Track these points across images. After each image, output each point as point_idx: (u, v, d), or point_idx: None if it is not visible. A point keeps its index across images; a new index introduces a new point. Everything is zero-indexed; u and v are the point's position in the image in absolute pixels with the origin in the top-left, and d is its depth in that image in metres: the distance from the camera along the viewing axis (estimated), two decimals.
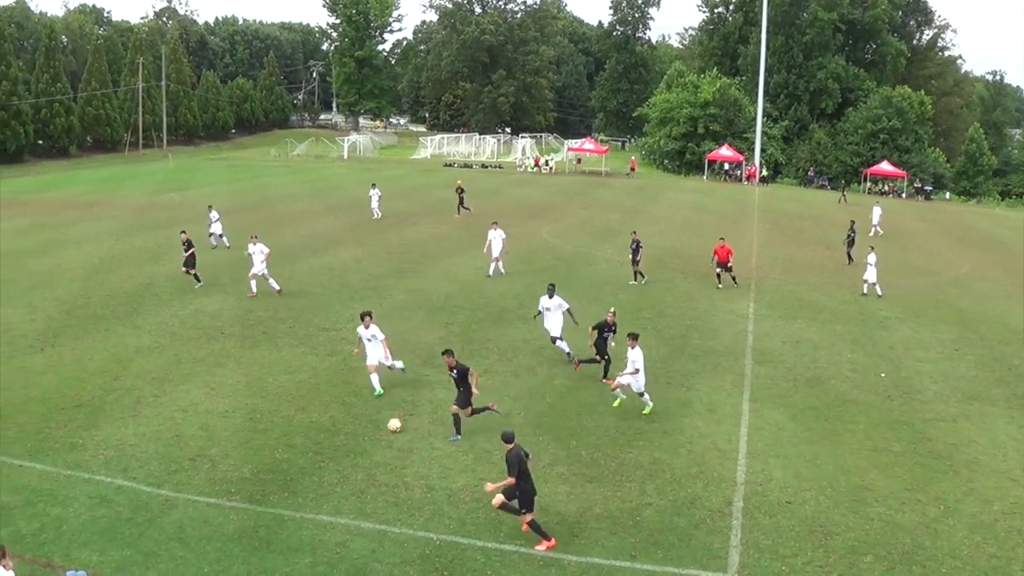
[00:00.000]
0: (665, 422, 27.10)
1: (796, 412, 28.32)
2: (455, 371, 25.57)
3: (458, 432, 25.55)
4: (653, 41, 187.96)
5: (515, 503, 20.27)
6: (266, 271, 42.99)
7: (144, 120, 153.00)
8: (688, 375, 31.53)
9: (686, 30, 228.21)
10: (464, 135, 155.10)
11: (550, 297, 32.73)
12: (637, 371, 27.06)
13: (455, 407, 25.64)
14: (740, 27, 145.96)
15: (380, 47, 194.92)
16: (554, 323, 32.62)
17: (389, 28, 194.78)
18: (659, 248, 56.99)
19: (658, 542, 20.27)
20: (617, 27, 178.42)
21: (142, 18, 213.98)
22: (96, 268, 49.47)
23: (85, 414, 27.00)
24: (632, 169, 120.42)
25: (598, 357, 30.33)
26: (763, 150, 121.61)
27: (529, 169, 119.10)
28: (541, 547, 19.96)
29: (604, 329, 30.06)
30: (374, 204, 69.03)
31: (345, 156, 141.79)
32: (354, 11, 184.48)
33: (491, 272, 47.35)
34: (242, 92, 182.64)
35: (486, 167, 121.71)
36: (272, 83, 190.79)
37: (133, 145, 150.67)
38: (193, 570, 19.00)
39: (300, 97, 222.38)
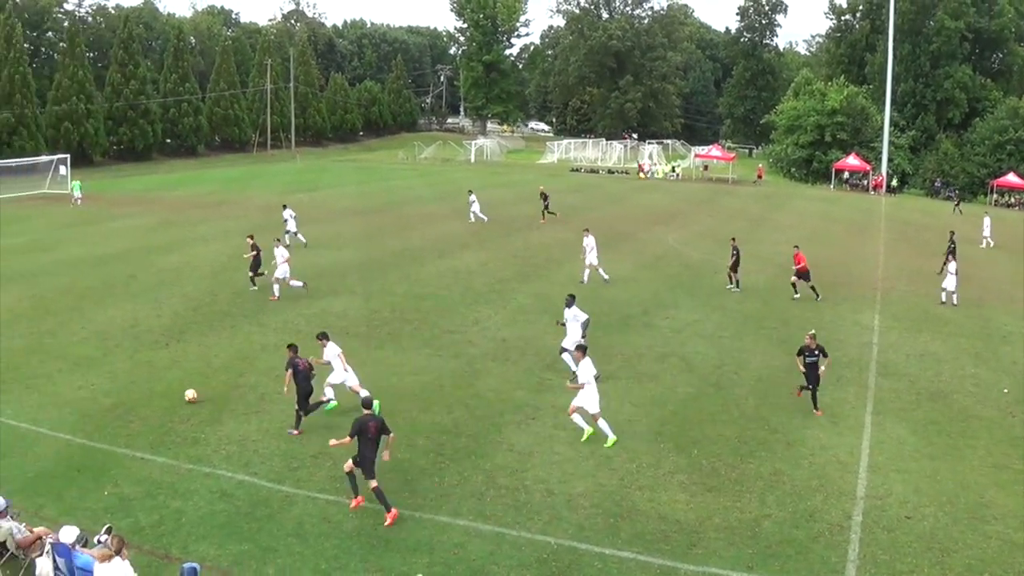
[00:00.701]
0: (788, 433, 26.92)
1: (918, 426, 27.92)
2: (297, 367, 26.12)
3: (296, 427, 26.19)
4: (780, 48, 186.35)
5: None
6: (287, 274, 43.24)
7: (272, 121, 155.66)
8: None
9: (813, 37, 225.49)
10: (591, 140, 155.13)
11: (568, 308, 31.92)
12: (582, 385, 25.69)
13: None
14: (867, 35, 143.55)
15: (507, 52, 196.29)
16: (570, 334, 31.62)
17: (516, 33, 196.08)
18: (786, 257, 56.36)
19: (776, 554, 20.16)
20: (744, 33, 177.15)
21: (270, 20, 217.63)
22: (223, 266, 50.70)
23: (208, 409, 27.74)
24: (759, 177, 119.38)
25: (807, 385, 28.93)
26: (890, 160, 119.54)
27: (656, 175, 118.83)
28: (388, 518, 20.99)
29: (806, 353, 28.41)
30: (475, 209, 69.34)
31: (472, 160, 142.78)
32: (481, 15, 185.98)
33: (585, 279, 47.07)
34: (370, 95, 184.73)
35: (612, 173, 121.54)
36: (400, 86, 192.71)
37: (261, 145, 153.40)
38: (310, 566, 19.35)
39: (428, 100, 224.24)
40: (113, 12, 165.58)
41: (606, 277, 47.51)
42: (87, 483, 22.94)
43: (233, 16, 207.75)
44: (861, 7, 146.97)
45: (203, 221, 67.18)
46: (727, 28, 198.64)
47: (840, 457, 25.34)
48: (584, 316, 32.18)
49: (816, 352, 28.06)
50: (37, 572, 18.37)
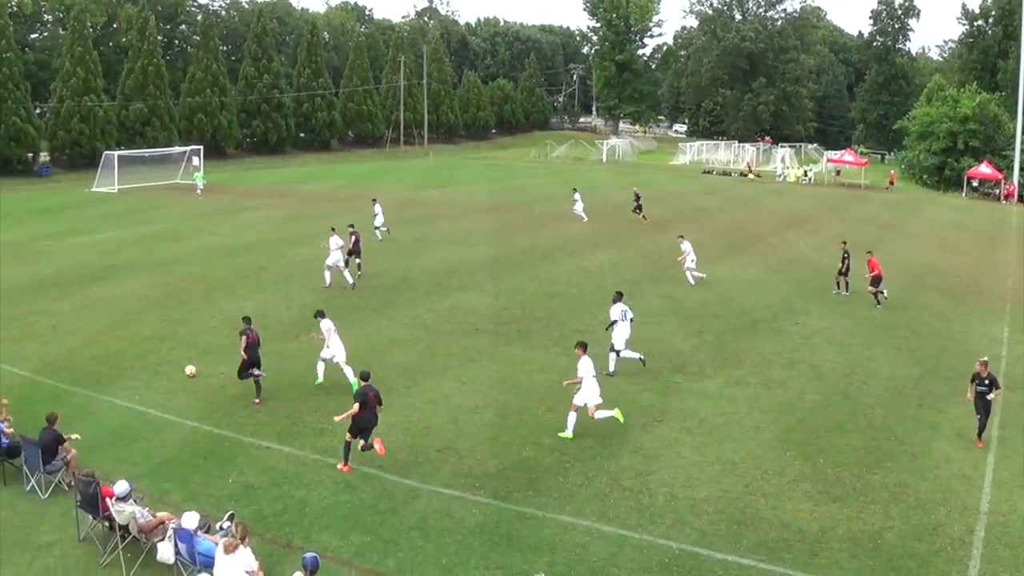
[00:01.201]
0: (914, 445, 26.42)
1: None
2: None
3: None
4: (913, 53, 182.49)
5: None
6: (340, 263, 44.64)
7: (405, 117, 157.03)
8: (939, 397, 30.55)
9: (945, 43, 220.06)
10: (723, 142, 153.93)
11: (614, 303, 32.15)
12: (580, 380, 26.18)
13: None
14: (999, 41, 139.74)
15: (640, 51, 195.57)
16: (619, 331, 31.76)
17: (649, 32, 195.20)
18: (917, 264, 55.47)
19: (897, 567, 19.83)
20: (877, 37, 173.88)
21: (403, 17, 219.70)
22: (381, 250, 51.47)
23: (335, 401, 28.08)
24: (891, 183, 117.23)
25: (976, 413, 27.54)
26: (1022, 169, 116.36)
27: (788, 179, 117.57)
28: (341, 467, 23.65)
29: (977, 381, 27.11)
30: (578, 208, 69.31)
31: (604, 159, 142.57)
32: (614, 15, 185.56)
33: (693, 282, 47.28)
34: (503, 93, 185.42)
35: (744, 176, 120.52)
36: (533, 84, 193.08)
37: (394, 141, 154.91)
38: (431, 561, 19.54)
39: (560, 99, 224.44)
40: (247, 7, 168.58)
41: (690, 282, 47.46)
42: (212, 470, 23.48)
43: (367, 12, 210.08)
44: (994, 13, 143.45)
45: (335, 215, 68.13)
46: (859, 32, 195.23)
47: (965, 471, 24.82)
48: (630, 313, 32.19)
49: (988, 381, 26.97)
50: (158, 556, 18.82)
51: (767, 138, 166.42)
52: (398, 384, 29.80)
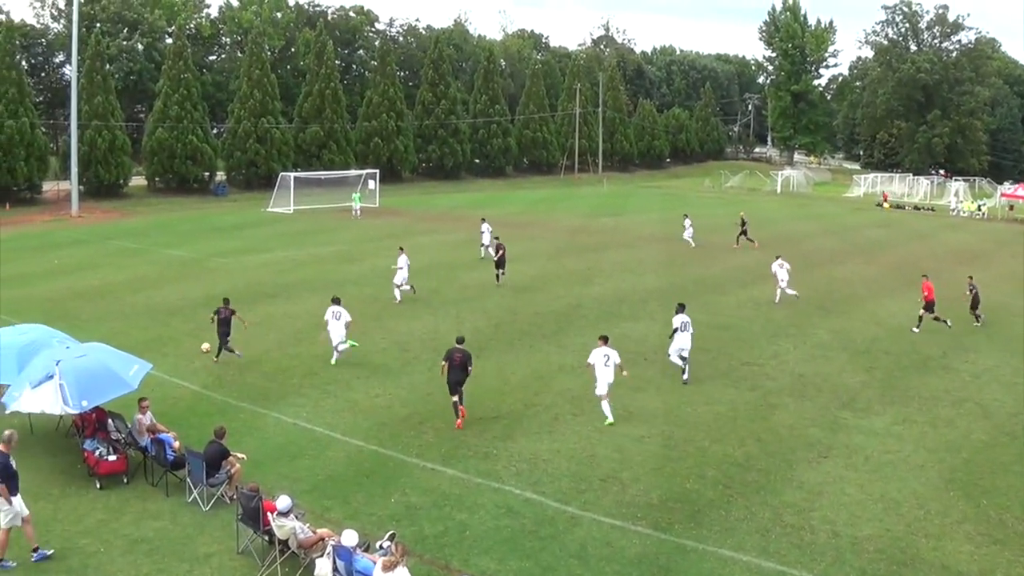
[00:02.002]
0: None
1: None
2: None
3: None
4: None
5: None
6: (404, 280, 47.49)
7: (580, 145, 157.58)
8: None
9: None
10: (897, 175, 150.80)
11: (676, 314, 34.65)
12: (590, 366, 29.39)
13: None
14: None
15: (816, 82, 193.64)
16: (677, 341, 34.18)
17: (825, 63, 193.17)
18: None
19: None
20: None
21: (580, 45, 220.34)
22: (526, 286, 51.80)
23: (502, 425, 28.30)
24: None
25: None
26: None
27: (962, 213, 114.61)
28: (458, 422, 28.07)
29: None
30: (687, 234, 70.73)
31: (778, 190, 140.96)
32: (790, 45, 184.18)
33: (778, 300, 49.14)
34: (678, 122, 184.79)
35: (918, 209, 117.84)
36: (708, 114, 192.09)
37: (568, 169, 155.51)
38: None
39: (735, 129, 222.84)
40: (424, 33, 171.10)
41: (795, 293, 49.67)
42: (375, 489, 23.80)
43: (543, 40, 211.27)
44: None
45: (508, 241, 68.30)
46: None
47: None
48: (691, 326, 34.49)
49: None
50: (316, 572, 19.06)
51: (942, 171, 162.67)
52: (565, 411, 29.84)
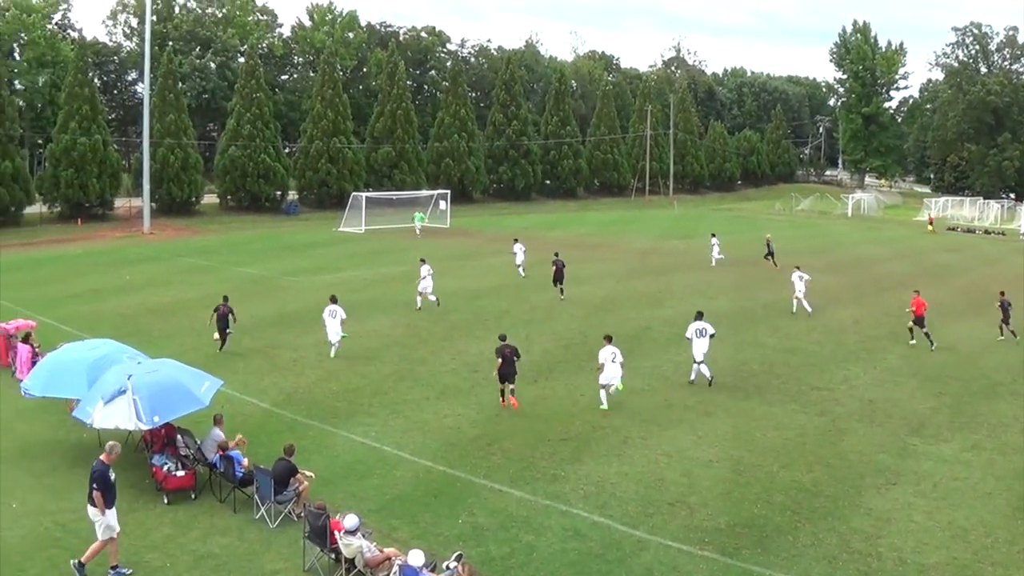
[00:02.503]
0: None
1: None
2: None
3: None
4: None
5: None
6: (428, 289, 50.94)
7: (651, 167, 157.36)
8: None
9: None
10: (968, 199, 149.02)
11: (696, 321, 36.98)
12: (602, 364, 32.51)
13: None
14: None
15: (886, 104, 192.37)
16: (696, 346, 36.27)
17: (896, 85, 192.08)
18: None
19: None
20: None
21: (651, 67, 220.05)
22: (596, 307, 51.86)
23: (571, 448, 28.32)
24: None
25: None
26: None
27: None
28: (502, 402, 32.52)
29: None
30: (715, 252, 71.72)
31: (848, 214, 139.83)
32: (861, 67, 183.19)
33: (795, 309, 52.11)
34: (749, 144, 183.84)
35: (989, 233, 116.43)
36: (779, 136, 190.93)
37: (639, 191, 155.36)
38: None
39: (806, 152, 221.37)
40: (495, 54, 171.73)
41: (808, 310, 51.77)
42: (442, 510, 23.89)
43: (614, 61, 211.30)
44: None
45: (579, 262, 68.68)
46: None
47: None
48: (712, 330, 36.83)
49: None
50: None
51: (1011, 195, 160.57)
52: (633, 434, 29.79)
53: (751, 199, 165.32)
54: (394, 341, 42.30)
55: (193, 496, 24.44)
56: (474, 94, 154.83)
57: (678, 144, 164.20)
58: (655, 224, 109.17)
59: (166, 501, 24.06)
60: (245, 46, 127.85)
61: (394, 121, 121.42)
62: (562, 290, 55.45)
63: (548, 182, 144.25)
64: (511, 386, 32.57)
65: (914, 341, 45.01)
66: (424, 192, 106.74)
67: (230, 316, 40.54)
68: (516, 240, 66.29)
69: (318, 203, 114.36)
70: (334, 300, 40.16)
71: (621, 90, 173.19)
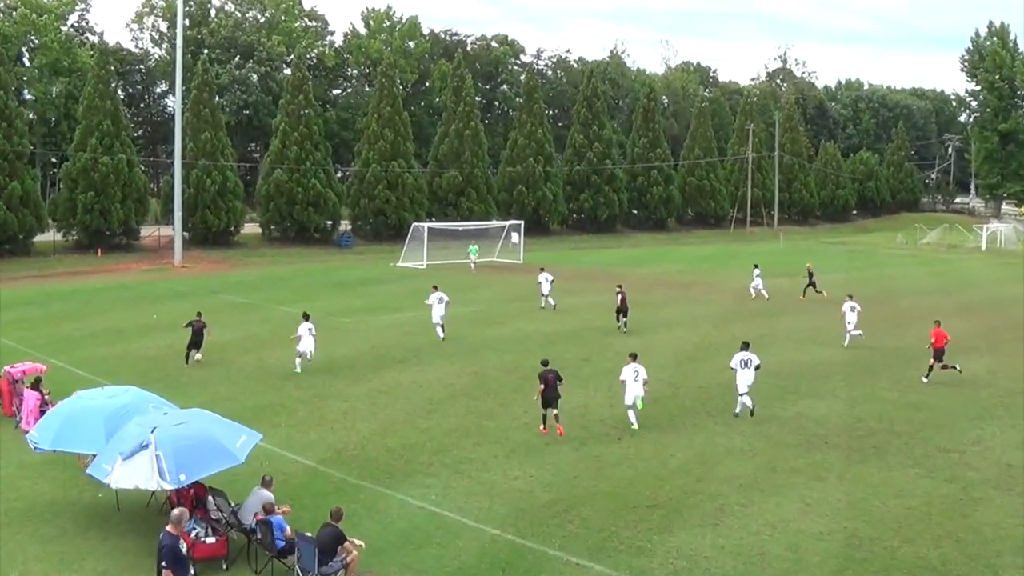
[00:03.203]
0: None
1: None
2: None
3: None
4: None
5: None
6: (441, 320, 54.29)
7: (753, 194, 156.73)
8: None
9: None
10: None
11: (742, 350, 40.17)
12: (623, 383, 37.48)
13: None
14: None
15: None
16: (741, 377, 39.29)
17: None
18: None
19: None
20: None
21: (753, 80, 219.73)
22: (689, 355, 51.52)
23: (659, 516, 27.99)
24: None
25: None
26: None
27: None
28: (540, 429, 36.23)
29: None
30: (756, 284, 75.33)
31: (983, 247, 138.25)
32: (997, 76, 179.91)
33: (846, 343, 55.30)
34: (866, 167, 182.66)
35: None
36: (901, 158, 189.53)
37: (739, 222, 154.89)
38: None
39: (932, 176, 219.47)
40: (575, 66, 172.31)
41: (859, 333, 55.59)
42: None
43: (711, 74, 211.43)
44: None
45: (669, 303, 68.35)
46: None
47: None
48: (757, 361, 39.74)
49: None
50: None
51: None
52: (731, 501, 29.41)
53: (869, 230, 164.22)
54: (459, 391, 42.21)
55: (224, 567, 24.39)
56: (551, 112, 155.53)
57: (784, 168, 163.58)
58: (756, 259, 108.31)
59: (193, 572, 23.82)
60: (291, 56, 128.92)
61: (461, 142, 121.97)
62: (626, 323, 58.43)
63: (635, 212, 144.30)
64: (555, 411, 35.96)
65: (926, 380, 46.23)
66: (494, 223, 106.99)
67: (204, 331, 46.79)
68: (543, 269, 68.53)
69: (374, 234, 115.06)
70: (307, 317, 46.62)
71: (719, 107, 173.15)
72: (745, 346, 40.37)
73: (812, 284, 74.66)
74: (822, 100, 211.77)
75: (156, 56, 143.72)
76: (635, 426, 36.82)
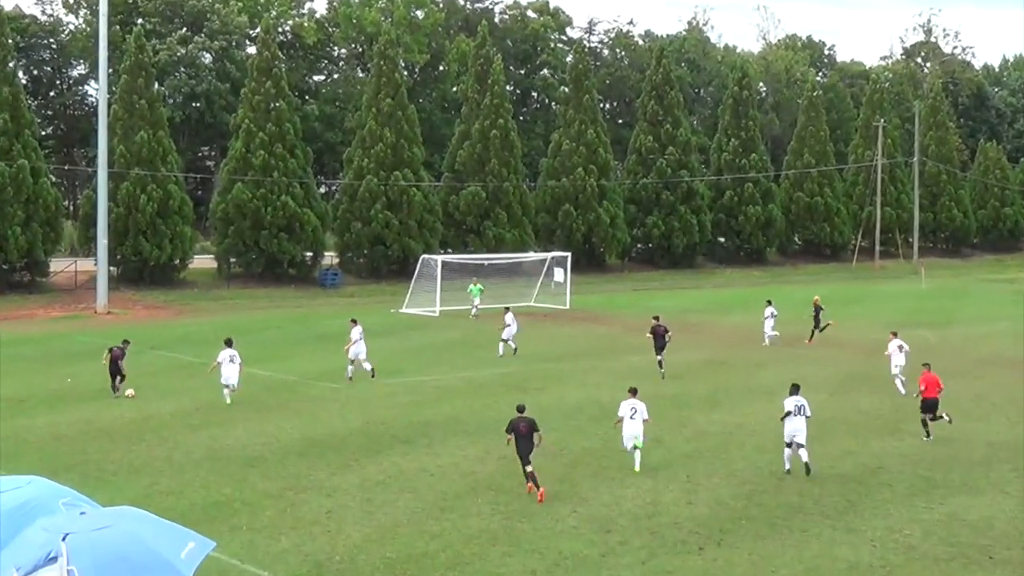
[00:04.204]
0: None
1: None
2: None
3: None
4: None
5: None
6: (362, 355, 62.31)
7: (883, 215, 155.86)
8: None
9: None
10: None
11: (791, 395, 44.15)
12: (620, 420, 43.18)
13: None
14: None
15: None
16: (791, 425, 43.45)
17: None
18: None
19: None
20: None
21: (883, 59, 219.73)
22: None
23: None
24: None
25: None
26: None
27: None
28: (539, 495, 39.13)
29: None
30: (767, 327, 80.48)
31: None
32: None
33: (901, 387, 60.24)
34: None
35: None
36: None
37: (864, 252, 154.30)
38: None
39: None
40: (641, 43, 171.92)
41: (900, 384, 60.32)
42: None
43: (826, 52, 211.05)
44: None
45: (769, 363, 68.17)
46: None
47: None
48: (809, 412, 44.03)
49: None
50: None
51: None
52: None
53: None
54: (484, 482, 41.93)
55: None
56: (608, 105, 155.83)
57: (927, 179, 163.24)
58: (890, 304, 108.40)
59: None
60: (257, 29, 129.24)
61: (486, 146, 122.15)
62: (661, 362, 65.24)
63: (722, 240, 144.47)
64: (528, 468, 39.77)
65: (930, 437, 49.56)
66: (531, 255, 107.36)
67: (121, 362, 56.13)
68: (508, 309, 72.83)
69: (369, 270, 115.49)
70: (229, 344, 55.32)
71: (837, 96, 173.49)
72: (795, 389, 44.37)
73: (816, 325, 79.50)
74: (981, 85, 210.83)
75: (71, 27, 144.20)
76: (637, 468, 42.14)
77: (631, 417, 42.24)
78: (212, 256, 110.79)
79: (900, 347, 60.51)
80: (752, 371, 64.65)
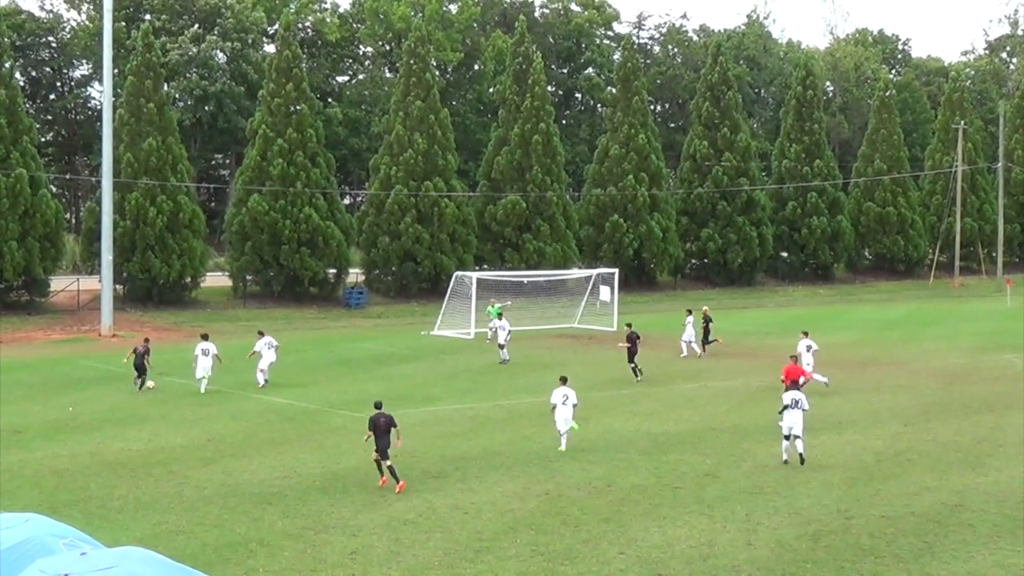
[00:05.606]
0: None
1: None
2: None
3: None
4: None
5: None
6: (265, 367, 67.91)
7: (964, 227, 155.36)
8: None
9: None
10: None
11: (785, 391, 49.99)
12: (553, 407, 51.35)
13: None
14: None
15: None
16: (794, 419, 48.76)
17: None
18: None
19: None
20: None
21: (965, 54, 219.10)
22: (865, 470, 50.94)
23: None
24: None
25: None
26: None
27: None
28: (397, 488, 44.10)
29: None
30: (685, 337, 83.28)
31: None
32: None
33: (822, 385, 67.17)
34: None
35: None
36: None
37: (942, 267, 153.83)
38: None
39: None
40: (695, 38, 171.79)
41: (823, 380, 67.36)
42: None
43: (900, 47, 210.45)
44: None
45: (837, 391, 68.12)
46: None
47: None
48: (807, 405, 49.30)
49: None
50: None
51: None
52: None
53: None
54: (523, 521, 41.88)
55: None
56: (659, 107, 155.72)
57: (1013, 186, 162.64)
58: (969, 325, 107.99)
59: None
60: (275, 26, 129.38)
61: (525, 152, 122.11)
62: (635, 370, 71.83)
63: (785, 255, 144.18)
64: (387, 463, 44.83)
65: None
66: (575, 272, 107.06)
67: (147, 358, 64.64)
68: (501, 315, 78.06)
69: (398, 289, 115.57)
70: (206, 338, 61.03)
71: (913, 96, 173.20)
72: (794, 384, 51.15)
73: (706, 336, 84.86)
74: None
75: (73, 24, 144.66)
76: (563, 448, 50.39)
77: (563, 403, 50.28)
78: (226, 274, 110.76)
79: (809, 347, 70.12)
80: (817, 400, 64.46)
